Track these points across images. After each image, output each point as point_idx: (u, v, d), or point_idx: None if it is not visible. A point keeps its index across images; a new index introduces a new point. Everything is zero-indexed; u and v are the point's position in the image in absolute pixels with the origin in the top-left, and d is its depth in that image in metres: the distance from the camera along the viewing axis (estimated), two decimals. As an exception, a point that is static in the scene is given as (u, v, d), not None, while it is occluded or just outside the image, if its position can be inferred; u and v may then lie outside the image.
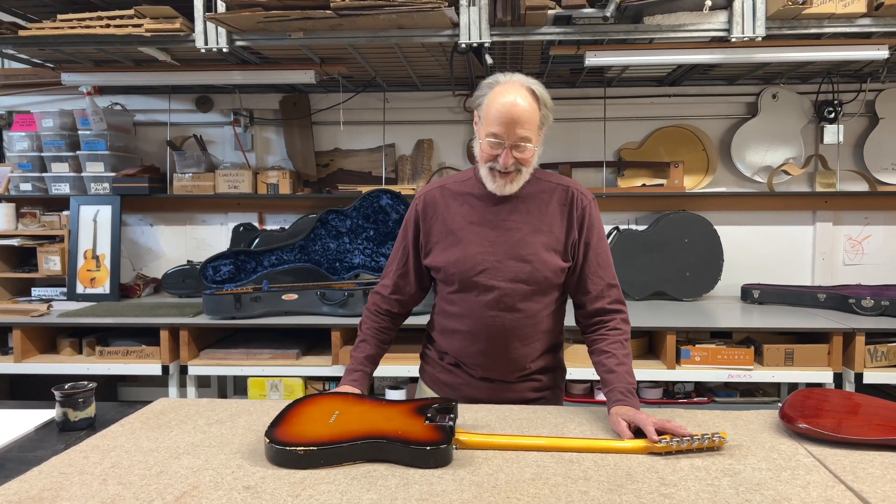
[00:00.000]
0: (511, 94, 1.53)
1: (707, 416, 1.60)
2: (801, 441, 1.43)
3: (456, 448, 1.35)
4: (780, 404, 1.57)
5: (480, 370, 1.71)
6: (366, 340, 1.78)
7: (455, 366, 1.75)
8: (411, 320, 1.93)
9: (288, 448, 1.30)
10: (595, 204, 1.69)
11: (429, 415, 1.43)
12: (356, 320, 2.95)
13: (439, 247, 1.68)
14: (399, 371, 2.96)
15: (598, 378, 1.69)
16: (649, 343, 3.15)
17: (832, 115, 3.56)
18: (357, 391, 1.66)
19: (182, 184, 3.66)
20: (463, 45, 2.62)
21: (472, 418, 1.56)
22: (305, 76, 3.08)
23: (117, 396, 3.86)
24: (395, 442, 1.31)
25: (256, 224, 3.84)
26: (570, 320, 1.78)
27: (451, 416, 1.42)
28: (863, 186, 3.62)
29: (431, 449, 1.29)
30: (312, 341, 3.23)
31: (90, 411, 1.56)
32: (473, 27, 2.58)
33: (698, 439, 1.37)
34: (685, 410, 1.63)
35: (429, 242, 1.71)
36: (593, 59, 2.76)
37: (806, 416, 1.47)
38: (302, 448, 1.29)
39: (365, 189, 3.51)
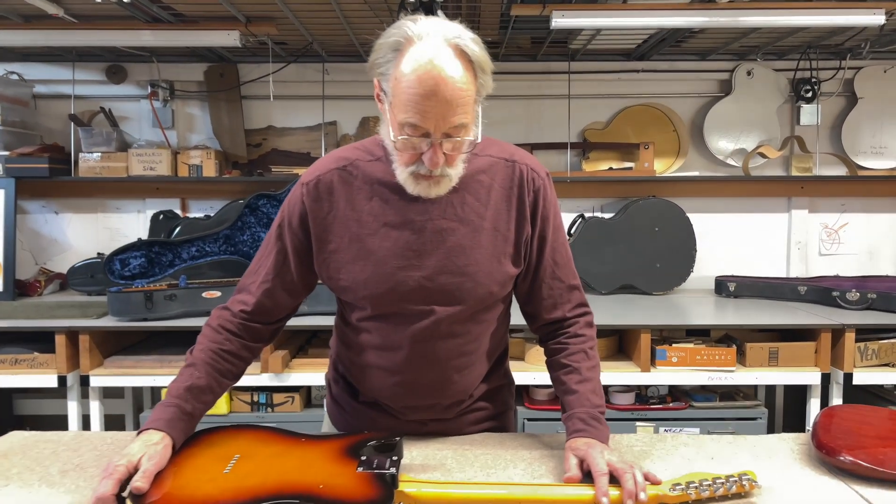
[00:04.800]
0: (433, 63, 1.03)
1: (718, 444, 1.27)
2: (848, 479, 1.11)
3: (399, 507, 0.98)
4: (809, 429, 1.25)
5: (409, 412, 1.29)
6: (194, 365, 1.18)
7: (373, 406, 1.32)
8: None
9: (157, 517, 0.91)
10: (550, 183, 1.25)
11: (363, 457, 1.05)
12: (290, 321, 2.56)
13: (340, 258, 1.20)
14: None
15: None
16: (619, 342, 2.84)
17: (810, 94, 3.31)
18: (158, 441, 1.05)
19: (89, 165, 3.18)
20: (411, 0, 2.24)
21: (420, 456, 1.19)
22: (228, 38, 2.65)
23: (13, 410, 3.36)
24: (313, 501, 0.94)
25: (179, 211, 3.39)
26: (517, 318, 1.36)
27: (394, 458, 1.04)
28: (840, 171, 3.38)
29: (364, 512, 0.92)
30: (239, 345, 2.81)
31: None
32: (423, -22, 2.20)
33: (722, 483, 1.03)
34: (690, 437, 1.30)
35: (324, 250, 1.21)
36: (561, 21, 2.41)
37: (850, 446, 1.14)
38: (177, 517, 0.91)
39: (302, 172, 3.09)
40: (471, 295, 1.19)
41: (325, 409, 1.42)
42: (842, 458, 1.13)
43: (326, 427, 1.40)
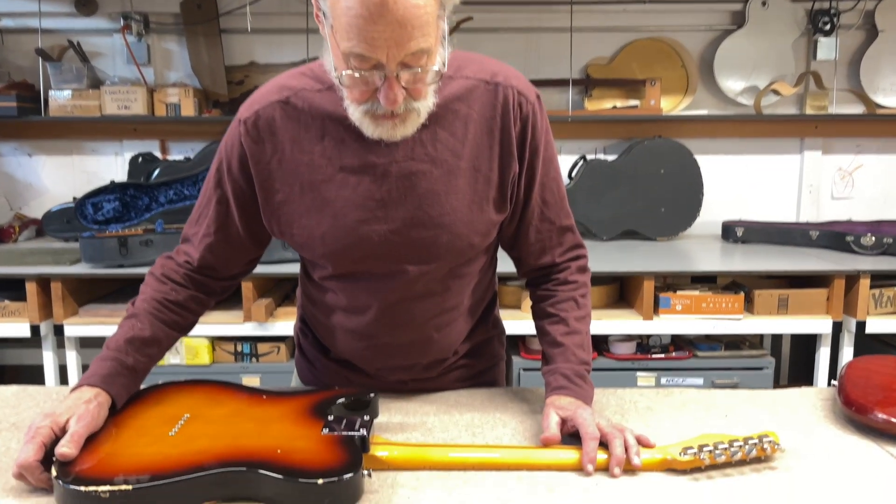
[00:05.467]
0: None
1: (732, 400, 1.14)
2: (880, 440, 0.98)
3: (369, 474, 0.84)
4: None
5: (385, 373, 1.15)
6: (136, 316, 1.03)
7: (346, 365, 1.17)
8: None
9: (84, 489, 0.78)
10: (541, 107, 1.03)
11: (330, 417, 0.92)
12: (274, 267, 2.42)
13: (291, 210, 1.01)
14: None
15: None
16: (620, 290, 2.71)
17: (828, 27, 3.09)
18: (91, 399, 0.91)
19: (60, 104, 2.98)
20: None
21: (399, 415, 1.06)
22: (200, -40, 2.43)
23: (-7, 360, 3.26)
24: (265, 468, 0.80)
25: (158, 154, 3.21)
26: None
27: (365, 417, 0.91)
28: (857, 109, 3.19)
29: (326, 482, 0.79)
30: (221, 293, 2.68)
31: None
32: None
33: (741, 446, 0.90)
34: (700, 392, 1.17)
35: (271, 201, 1.02)
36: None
37: (882, 402, 1.01)
38: (107, 488, 0.77)
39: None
40: (448, 250, 1.01)
41: (294, 363, 1.28)
42: (873, 415, 1.00)
43: (296, 384, 1.27)
